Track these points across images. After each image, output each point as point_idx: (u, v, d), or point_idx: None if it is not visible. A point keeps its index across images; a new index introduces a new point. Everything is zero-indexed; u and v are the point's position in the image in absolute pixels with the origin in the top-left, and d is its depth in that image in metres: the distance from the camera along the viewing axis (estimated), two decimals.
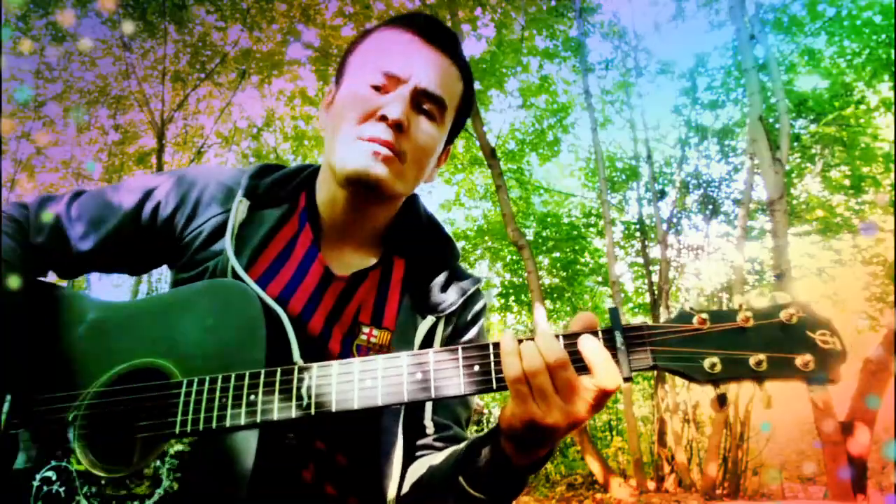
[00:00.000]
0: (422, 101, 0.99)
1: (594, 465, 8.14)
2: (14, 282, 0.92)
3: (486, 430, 0.88)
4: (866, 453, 5.26)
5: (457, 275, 1.12)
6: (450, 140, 1.11)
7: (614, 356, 0.76)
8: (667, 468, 8.68)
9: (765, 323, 0.75)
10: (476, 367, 0.79)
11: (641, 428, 10.61)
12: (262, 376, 0.82)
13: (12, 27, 9.75)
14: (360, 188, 0.98)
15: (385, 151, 0.95)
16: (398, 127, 0.95)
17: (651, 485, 8.34)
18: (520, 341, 0.78)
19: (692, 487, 7.91)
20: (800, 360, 0.73)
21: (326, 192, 1.07)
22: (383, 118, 0.95)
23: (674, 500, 7.16)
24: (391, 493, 0.96)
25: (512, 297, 13.03)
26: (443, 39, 1.02)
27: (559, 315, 13.92)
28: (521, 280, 12.73)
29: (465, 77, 1.07)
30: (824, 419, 5.28)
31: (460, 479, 0.85)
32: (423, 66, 0.99)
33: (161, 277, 12.43)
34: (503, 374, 0.76)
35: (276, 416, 0.80)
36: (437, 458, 0.98)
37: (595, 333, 0.78)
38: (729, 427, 7.86)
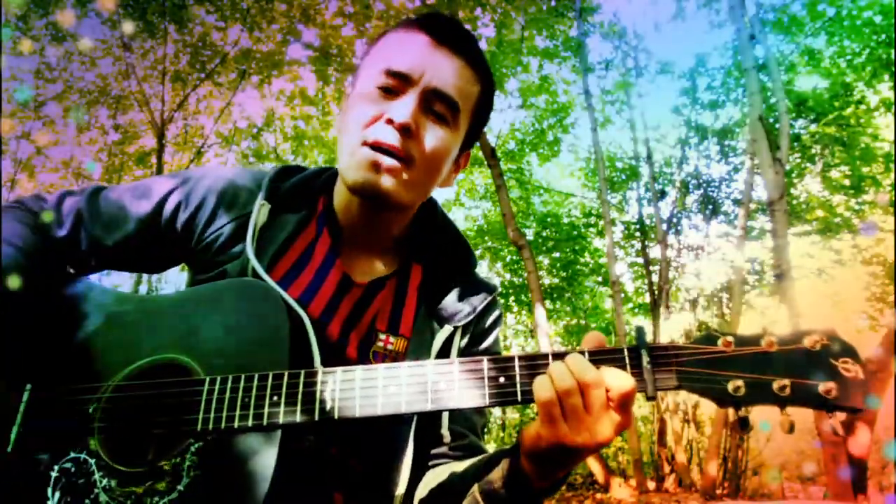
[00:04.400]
0: (432, 102, 0.95)
1: (594, 465, 8.15)
2: (26, 276, 0.91)
3: (506, 447, 0.87)
4: (866, 453, 5.27)
5: (473, 283, 1.10)
6: (468, 145, 1.07)
7: (640, 375, 0.76)
8: (667, 468, 8.68)
9: (789, 349, 0.76)
10: (501, 379, 0.79)
11: (641, 428, 10.61)
12: (286, 378, 0.82)
13: (12, 27, 9.75)
14: (367, 198, 0.96)
15: (388, 162, 0.92)
16: (405, 130, 0.91)
17: (651, 485, 8.35)
18: (554, 356, 0.77)
19: (692, 487, 7.91)
20: (822, 388, 0.74)
21: (342, 198, 1.05)
22: (390, 121, 0.91)
23: (674, 500, 7.15)
24: (398, 501, 0.95)
25: (512, 297, 13.03)
26: (457, 40, 0.98)
27: (559, 315, 13.92)
28: (521, 280, 12.73)
29: (483, 79, 1.02)
30: (824, 419, 5.28)
31: (478, 496, 0.84)
32: (433, 66, 0.94)
33: (161, 278, 12.44)
34: (535, 396, 0.75)
35: (295, 419, 0.80)
36: (458, 467, 0.97)
37: (621, 351, 0.78)
38: (729, 427, 7.86)
